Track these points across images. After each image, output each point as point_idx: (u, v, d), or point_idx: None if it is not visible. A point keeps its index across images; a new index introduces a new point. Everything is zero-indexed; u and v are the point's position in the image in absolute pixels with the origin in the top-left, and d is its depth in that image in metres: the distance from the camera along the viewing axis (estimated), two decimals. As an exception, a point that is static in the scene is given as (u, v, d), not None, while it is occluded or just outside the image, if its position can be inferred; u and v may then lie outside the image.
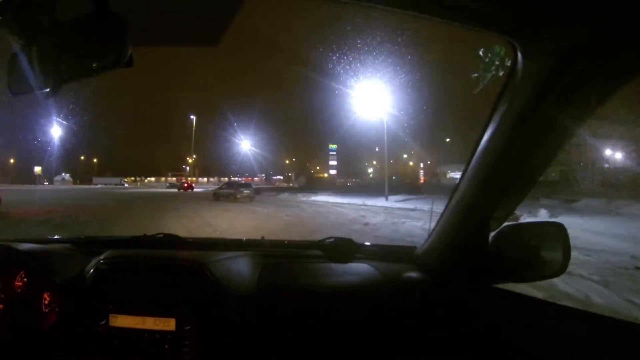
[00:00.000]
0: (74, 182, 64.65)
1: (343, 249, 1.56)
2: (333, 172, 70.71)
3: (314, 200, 24.52)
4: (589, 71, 0.83)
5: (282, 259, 1.61)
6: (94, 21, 0.79)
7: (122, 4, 0.80)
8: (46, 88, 0.85)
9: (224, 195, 23.80)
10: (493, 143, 1.05)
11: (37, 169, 56.44)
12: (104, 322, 1.30)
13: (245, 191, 23.94)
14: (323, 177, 69.87)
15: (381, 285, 1.42)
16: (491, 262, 1.15)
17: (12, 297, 1.43)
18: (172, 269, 1.41)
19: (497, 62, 1.26)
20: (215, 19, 1.11)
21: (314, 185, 47.16)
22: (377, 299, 1.38)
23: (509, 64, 1.02)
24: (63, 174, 63.85)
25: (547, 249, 1.19)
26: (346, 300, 1.38)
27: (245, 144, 61.90)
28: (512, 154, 1.02)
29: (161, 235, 1.76)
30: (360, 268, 1.51)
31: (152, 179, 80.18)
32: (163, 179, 75.17)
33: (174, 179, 65.97)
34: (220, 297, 1.32)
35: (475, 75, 1.44)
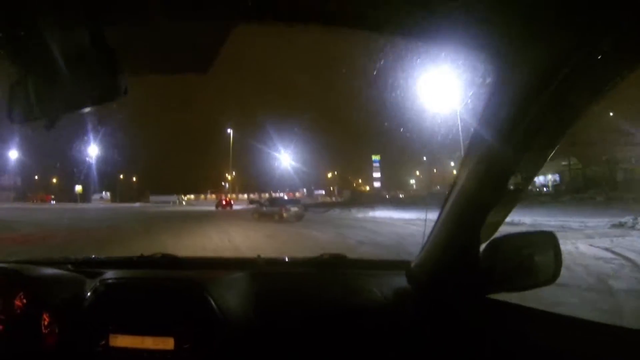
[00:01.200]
0: (112, 201, 65.87)
1: (336, 264, 1.68)
2: (377, 184, 66.88)
3: (375, 217, 21.61)
4: (570, 80, 0.86)
5: (278, 277, 1.69)
6: (91, 54, 0.87)
7: (116, 38, 0.88)
8: (44, 117, 0.95)
9: (267, 215, 20.31)
10: (478, 158, 1.10)
11: (78, 188, 59.49)
12: (104, 342, 1.36)
13: (292, 209, 20.12)
14: (365, 191, 67.90)
15: (375, 299, 1.46)
16: (484, 273, 1.19)
17: (11, 319, 1.48)
18: (170, 289, 1.47)
19: (479, 79, 1.26)
20: (205, 49, 1.17)
21: (360, 199, 45.11)
22: (371, 313, 1.42)
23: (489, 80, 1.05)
24: (103, 192, 64.97)
25: (539, 258, 1.23)
26: (341, 316, 1.42)
27: (285, 158, 59.24)
28: (500, 165, 1.06)
29: (159, 255, 1.85)
30: (354, 283, 1.57)
31: (192, 196, 78.96)
32: (202, 196, 75.04)
33: (214, 196, 65.81)
34: (218, 316, 1.37)
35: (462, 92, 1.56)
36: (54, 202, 55.60)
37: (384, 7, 0.90)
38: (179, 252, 1.95)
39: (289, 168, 59.56)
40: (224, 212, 31.90)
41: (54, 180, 66.23)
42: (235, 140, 61.60)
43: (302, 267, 1.80)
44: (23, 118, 0.99)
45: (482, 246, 1.22)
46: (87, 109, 0.96)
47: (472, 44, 0.96)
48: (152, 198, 68.09)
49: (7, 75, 0.98)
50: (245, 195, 70.97)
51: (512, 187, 1.12)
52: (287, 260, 1.93)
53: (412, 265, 1.46)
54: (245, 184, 75.10)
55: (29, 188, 63.93)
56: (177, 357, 1.31)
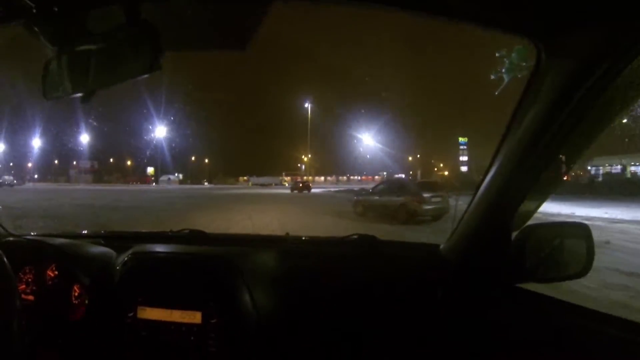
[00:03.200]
0: (184, 182, 67.82)
1: (367, 245, 1.74)
2: (463, 168, 62.84)
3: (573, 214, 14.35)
4: (613, 72, 0.90)
5: (307, 255, 1.77)
6: (126, 30, 0.94)
7: (152, 12, 0.95)
8: (78, 93, 1.01)
9: (383, 207, 13.79)
10: (516, 143, 1.16)
11: (150, 170, 64.07)
12: (132, 314, 1.48)
13: (433, 199, 12.99)
14: (444, 175, 63.96)
15: (404, 281, 1.54)
16: (513, 261, 1.26)
17: (43, 290, 1.63)
18: (198, 264, 1.57)
19: (521, 63, 1.37)
20: (244, 25, 1.23)
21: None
22: (400, 294, 1.50)
23: (530, 64, 1.11)
24: (170, 175, 66.59)
25: (570, 249, 1.28)
26: (370, 296, 1.51)
27: (364, 140, 56.66)
28: (536, 154, 1.11)
29: (187, 231, 1.99)
30: (383, 264, 1.65)
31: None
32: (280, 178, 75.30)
33: (288, 178, 65.83)
34: (245, 292, 1.47)
35: (495, 76, 1.58)
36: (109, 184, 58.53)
37: None
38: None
39: (367, 150, 57.96)
40: (301, 197, 29.32)
41: (128, 163, 71.31)
42: (312, 121, 61.12)
43: (332, 247, 1.90)
44: (57, 94, 1.06)
45: (514, 234, 1.28)
46: (126, 82, 0.99)
47: (516, 27, 1.01)
48: (253, 179, 69.02)
49: (42, 52, 1.04)
50: (322, 178, 70.38)
51: (547, 177, 1.17)
52: (315, 239, 2.02)
53: (442, 248, 1.55)
54: (321, 166, 74.69)
55: (105, 170, 69.86)
56: (204, 331, 1.41)
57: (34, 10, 0.93)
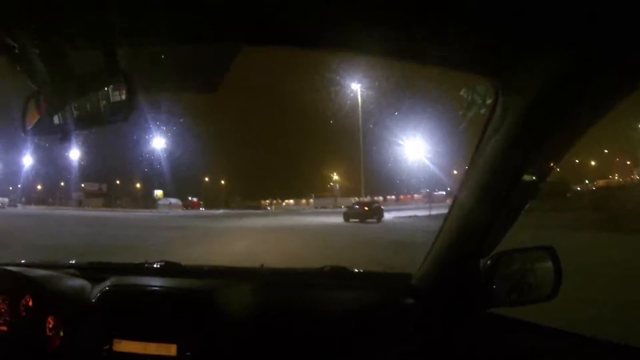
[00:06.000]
0: (189, 207, 65.67)
1: (338, 276, 1.93)
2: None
3: None
4: (567, 102, 1.05)
5: (281, 287, 1.93)
6: (103, 73, 1.05)
7: (128, 58, 1.08)
8: (56, 134, 1.13)
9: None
10: (480, 173, 1.32)
11: (158, 193, 62.12)
12: (107, 347, 1.56)
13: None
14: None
15: (376, 312, 1.67)
16: (484, 287, 1.44)
17: (17, 321, 1.73)
18: (174, 296, 1.70)
19: (479, 101, 1.56)
20: (214, 69, 1.39)
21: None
22: (372, 326, 1.62)
23: (489, 101, 1.29)
24: (171, 198, 61.98)
25: (539, 273, 1.47)
26: (342, 327, 1.62)
27: (405, 153, 54.29)
28: (499, 185, 1.28)
29: (163, 263, 2.13)
30: (355, 295, 1.79)
31: (291, 201, 79.47)
32: (304, 200, 74.55)
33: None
34: (220, 325, 1.59)
35: (461, 113, 1.77)
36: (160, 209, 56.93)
37: (386, 32, 1.04)
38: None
39: (404, 166, 56.07)
40: (378, 232, 20.90)
41: (138, 185, 71.09)
42: (346, 135, 57.39)
43: (305, 278, 2.07)
44: (35, 131, 1.18)
45: (483, 261, 1.46)
46: (100, 126, 1.16)
47: (473, 68, 1.15)
48: (316, 201, 66.71)
49: (21, 90, 1.14)
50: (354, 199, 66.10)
51: (512, 204, 1.34)
52: (289, 270, 2.23)
53: (413, 278, 1.70)
54: (353, 186, 68.78)
55: (114, 193, 70.86)
56: None
57: (16, 51, 1.02)
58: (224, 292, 1.73)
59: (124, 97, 1.06)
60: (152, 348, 1.54)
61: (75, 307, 1.72)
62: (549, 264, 1.45)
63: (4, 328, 1.75)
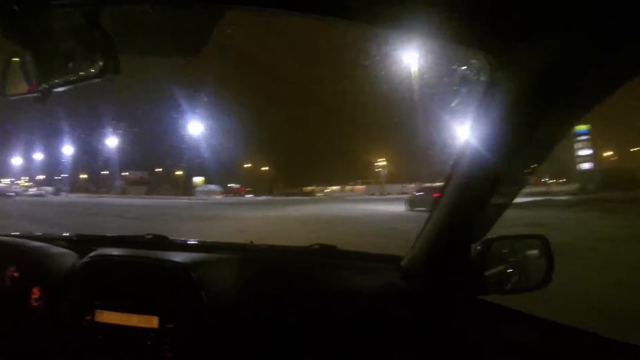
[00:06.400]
0: (233, 193, 65.93)
1: (327, 255, 1.93)
2: (585, 165, 47.95)
3: None
4: (565, 83, 1.00)
5: (268, 264, 1.92)
6: (84, 33, 1.06)
7: (110, 17, 1.11)
8: (34, 93, 1.14)
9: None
10: (472, 155, 1.30)
11: (197, 180, 62.86)
12: (89, 317, 1.60)
13: None
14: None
15: (364, 293, 1.66)
16: (475, 273, 1.41)
17: (1, 290, 1.80)
18: (158, 269, 1.71)
19: (474, 77, 1.42)
20: (196, 32, 1.37)
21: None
22: (359, 306, 1.61)
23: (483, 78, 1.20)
24: (211, 185, 61.97)
25: (530, 261, 1.45)
26: (329, 307, 1.62)
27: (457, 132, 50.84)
28: (491, 167, 1.24)
29: (150, 236, 2.18)
30: (344, 275, 1.77)
31: (335, 187, 74.90)
32: (348, 187, 71.32)
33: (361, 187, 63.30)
34: (203, 299, 1.58)
35: (454, 88, 1.75)
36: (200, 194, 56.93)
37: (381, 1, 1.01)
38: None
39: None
40: None
41: (179, 173, 71.08)
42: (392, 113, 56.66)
43: (293, 256, 2.08)
44: (15, 91, 1.18)
45: (474, 247, 1.43)
46: (79, 85, 1.11)
47: (468, 41, 1.08)
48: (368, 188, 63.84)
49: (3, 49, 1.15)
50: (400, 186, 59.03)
51: (505, 188, 1.31)
52: (277, 247, 2.20)
53: (403, 260, 1.67)
54: (400, 172, 67.88)
55: (156, 181, 72.06)
56: (161, 336, 1.53)
57: None
58: (209, 266, 1.75)
59: (103, 55, 1.05)
60: (134, 320, 1.57)
61: (60, 278, 1.77)
62: (541, 252, 1.43)
63: None
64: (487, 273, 1.42)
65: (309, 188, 74.14)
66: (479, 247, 1.43)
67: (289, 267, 1.88)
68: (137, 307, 1.59)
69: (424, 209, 21.18)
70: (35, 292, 1.74)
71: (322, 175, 79.18)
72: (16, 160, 63.04)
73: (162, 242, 2.13)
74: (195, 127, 46.19)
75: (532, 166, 1.28)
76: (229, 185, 68.36)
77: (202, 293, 1.59)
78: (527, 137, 1.14)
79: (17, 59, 1.14)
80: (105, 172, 67.89)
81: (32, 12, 1.04)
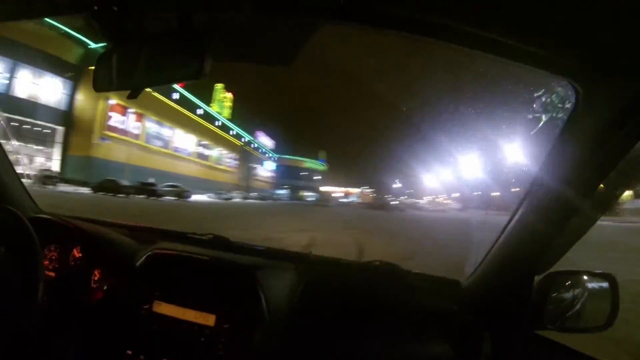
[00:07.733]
0: None
1: (388, 273, 1.88)
2: None
3: None
4: None
5: (327, 276, 1.92)
6: (177, 35, 1.10)
7: (204, 22, 1.13)
8: (126, 89, 1.20)
9: None
10: (545, 187, 1.26)
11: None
12: (147, 306, 1.67)
13: None
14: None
15: (421, 314, 1.66)
16: (534, 307, 1.38)
17: (65, 269, 1.89)
18: (220, 269, 1.78)
19: (559, 104, 1.43)
20: (290, 42, 1.42)
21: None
22: (416, 328, 1.62)
23: (568, 106, 1.17)
24: None
25: (594, 300, 1.38)
26: (385, 325, 1.63)
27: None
28: (565, 200, 1.21)
29: (211, 236, 2.22)
30: (402, 295, 1.77)
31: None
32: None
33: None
34: (262, 303, 1.60)
35: (534, 116, 1.71)
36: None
37: (470, 23, 0.99)
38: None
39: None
40: None
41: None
42: None
43: (352, 271, 2.05)
44: (106, 87, 1.23)
45: (537, 279, 1.40)
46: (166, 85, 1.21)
47: (557, 68, 1.05)
48: None
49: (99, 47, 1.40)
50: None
51: (575, 222, 1.27)
52: (336, 260, 2.14)
53: (463, 285, 1.65)
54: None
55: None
56: (216, 334, 1.56)
57: (95, 7, 1.09)
58: (269, 271, 1.76)
59: (195, 57, 1.08)
60: (191, 315, 1.61)
61: (122, 264, 1.85)
62: (606, 292, 1.37)
63: (52, 274, 1.90)
64: (547, 307, 1.38)
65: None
66: (542, 280, 1.39)
67: (349, 281, 1.89)
68: (195, 303, 1.64)
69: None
70: (97, 275, 1.83)
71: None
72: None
73: (223, 243, 2.16)
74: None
75: (606, 201, 1.25)
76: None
77: (261, 298, 1.61)
78: (606, 172, 1.12)
79: (109, 56, 1.20)
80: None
81: (129, 13, 1.11)
